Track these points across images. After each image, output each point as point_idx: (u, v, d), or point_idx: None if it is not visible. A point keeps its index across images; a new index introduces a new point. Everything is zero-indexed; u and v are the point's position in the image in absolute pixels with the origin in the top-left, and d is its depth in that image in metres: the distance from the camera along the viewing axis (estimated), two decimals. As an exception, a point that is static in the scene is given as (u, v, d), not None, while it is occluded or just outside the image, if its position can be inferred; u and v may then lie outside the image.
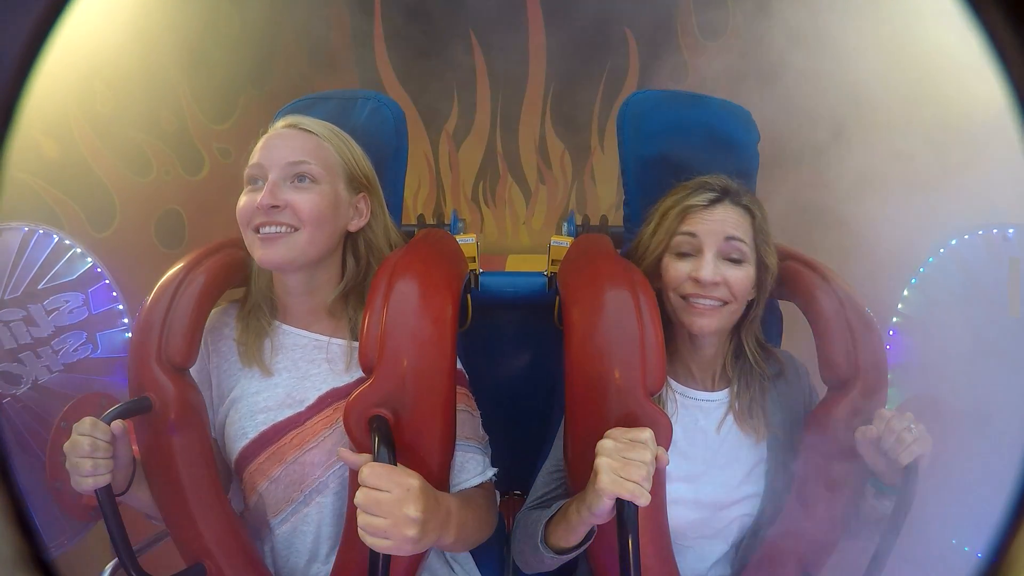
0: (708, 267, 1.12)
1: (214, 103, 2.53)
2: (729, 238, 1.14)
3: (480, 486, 1.15)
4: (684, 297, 1.15)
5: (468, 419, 1.18)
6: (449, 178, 2.97)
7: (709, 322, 1.14)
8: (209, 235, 2.25)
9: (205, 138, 2.52)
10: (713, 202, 1.16)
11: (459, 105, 2.90)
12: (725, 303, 1.14)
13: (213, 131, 2.54)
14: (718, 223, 1.14)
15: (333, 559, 1.12)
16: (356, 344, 1.11)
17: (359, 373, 1.08)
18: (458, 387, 1.12)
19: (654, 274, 1.19)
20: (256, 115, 2.53)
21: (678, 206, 1.17)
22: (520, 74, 2.90)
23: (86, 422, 1.00)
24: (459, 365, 1.20)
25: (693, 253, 1.15)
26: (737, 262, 1.15)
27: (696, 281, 1.13)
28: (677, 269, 1.15)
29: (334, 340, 1.20)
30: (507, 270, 2.74)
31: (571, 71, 2.89)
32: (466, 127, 2.93)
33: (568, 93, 2.91)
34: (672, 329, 1.21)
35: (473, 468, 1.15)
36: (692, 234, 1.15)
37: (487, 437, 1.22)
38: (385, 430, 0.95)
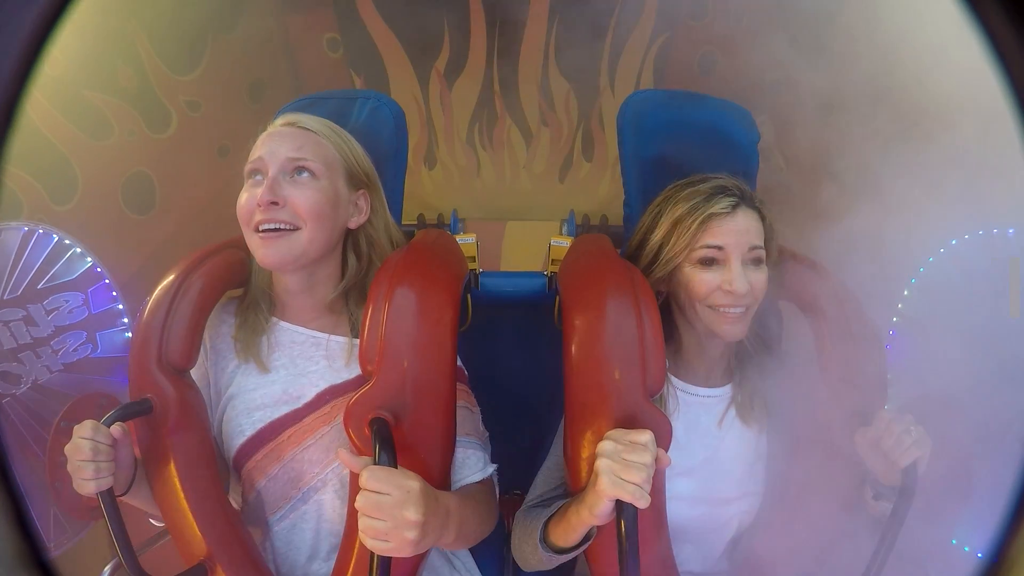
0: (740, 279, 1.11)
1: (178, 52, 2.26)
2: (753, 247, 1.14)
3: (480, 482, 1.15)
4: (711, 307, 1.14)
5: (468, 415, 1.18)
6: (441, 120, 2.66)
7: (741, 328, 1.14)
8: (181, 196, 2.12)
9: (170, 91, 2.26)
10: (734, 207, 1.14)
11: (450, 39, 2.57)
12: (749, 307, 1.15)
13: (179, 82, 2.28)
14: (742, 233, 1.13)
15: (334, 557, 1.12)
16: (356, 340, 1.11)
17: (358, 370, 1.08)
18: (458, 384, 1.13)
19: (669, 283, 1.18)
20: (226, 62, 2.24)
21: (697, 214, 1.14)
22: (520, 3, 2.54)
23: (87, 425, 1.00)
24: (459, 363, 1.20)
25: (718, 262, 1.14)
26: (757, 266, 1.15)
27: (727, 292, 1.12)
28: (706, 281, 1.14)
29: (334, 337, 1.20)
30: (506, 240, 2.60)
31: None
32: (459, 63, 2.62)
33: (575, 27, 2.56)
34: (675, 328, 1.21)
35: (473, 464, 1.15)
36: (720, 247, 1.13)
37: (487, 433, 1.23)
38: (385, 432, 0.95)
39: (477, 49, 2.59)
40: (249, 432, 1.16)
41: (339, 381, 1.17)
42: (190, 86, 2.29)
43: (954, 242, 1.90)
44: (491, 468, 1.17)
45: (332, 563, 1.12)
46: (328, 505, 1.15)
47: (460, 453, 1.13)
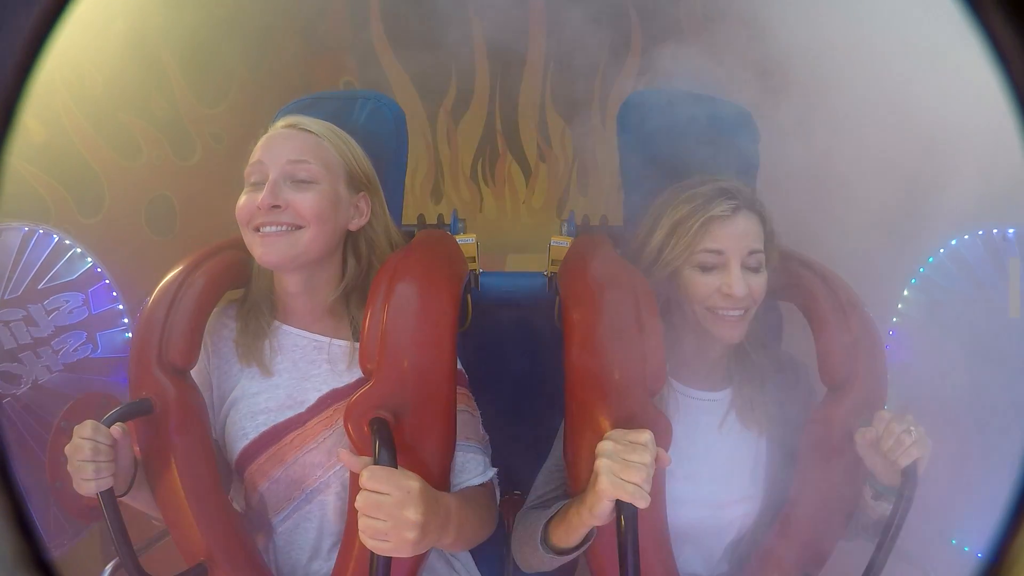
0: (739, 283, 1.11)
1: (207, 86, 2.45)
2: (752, 251, 1.14)
3: (480, 486, 1.15)
4: (710, 309, 1.14)
5: (468, 419, 1.18)
6: (448, 156, 2.87)
7: (739, 332, 1.14)
8: (200, 222, 2.21)
9: (197, 122, 2.45)
10: (735, 211, 1.14)
11: (457, 81, 2.80)
12: (747, 310, 1.15)
13: (205, 115, 2.47)
14: (742, 236, 1.13)
15: (335, 556, 1.12)
16: (358, 345, 1.11)
17: (360, 373, 1.08)
18: (458, 388, 1.13)
19: (669, 285, 1.18)
20: (250, 98, 2.45)
21: (697, 217, 1.14)
22: (520, 47, 2.77)
23: (87, 425, 1.00)
24: (459, 366, 1.20)
25: (717, 266, 1.14)
26: (756, 270, 1.15)
27: (726, 296, 1.12)
28: (705, 284, 1.14)
29: (335, 341, 1.20)
30: (507, 270, 2.70)
31: (573, 44, 2.72)
32: (464, 103, 2.83)
33: (569, 68, 2.79)
34: (675, 330, 1.21)
35: (473, 468, 1.15)
36: (719, 251, 1.13)
37: (487, 437, 1.22)
38: (385, 432, 0.95)
39: (481, 90, 2.80)
40: (252, 435, 1.16)
41: (341, 385, 1.17)
42: (216, 119, 2.46)
43: (954, 242, 1.90)
44: (491, 472, 1.17)
45: (332, 562, 1.12)
46: (331, 505, 1.15)
47: (460, 457, 1.13)
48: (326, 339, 1.20)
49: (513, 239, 2.87)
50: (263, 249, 1.11)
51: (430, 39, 2.63)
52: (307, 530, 1.17)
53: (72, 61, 2.04)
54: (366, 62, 2.66)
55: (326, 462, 1.14)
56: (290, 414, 1.16)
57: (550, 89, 2.81)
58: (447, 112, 2.80)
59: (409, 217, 1.59)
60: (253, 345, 1.19)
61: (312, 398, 1.16)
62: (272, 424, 1.15)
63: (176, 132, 2.38)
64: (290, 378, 1.18)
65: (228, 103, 2.48)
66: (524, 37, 2.74)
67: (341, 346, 1.19)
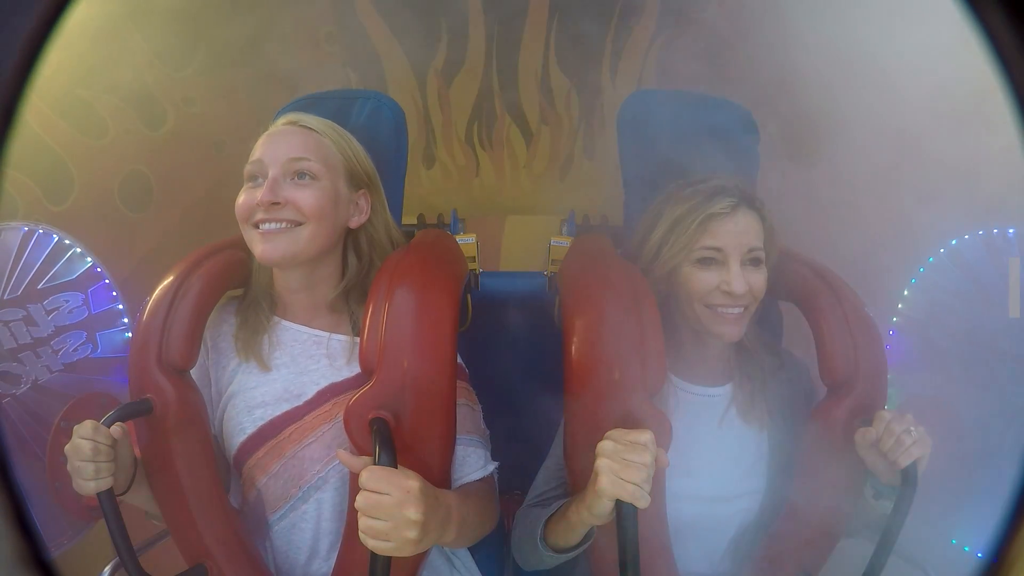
0: (738, 280, 1.12)
1: (172, 49, 2.24)
2: (752, 248, 1.14)
3: (481, 480, 1.15)
4: (709, 306, 1.14)
5: (469, 413, 1.18)
6: (440, 118, 2.61)
7: (738, 329, 1.15)
8: (178, 195, 2.11)
9: (165, 88, 2.24)
10: (734, 208, 1.14)
11: (448, 37, 2.53)
12: (747, 307, 1.15)
13: (173, 79, 2.25)
14: (742, 234, 1.14)
15: (334, 556, 1.12)
16: (358, 339, 1.11)
17: (359, 368, 1.08)
18: (459, 381, 1.13)
19: (669, 282, 1.18)
20: (221, 58, 2.22)
21: (696, 214, 1.14)
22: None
23: (87, 425, 1.00)
24: (459, 360, 1.20)
25: (717, 263, 1.14)
26: (756, 267, 1.15)
27: (725, 293, 1.12)
28: (704, 281, 1.14)
29: (335, 336, 1.20)
30: (507, 234, 2.56)
31: None
32: (457, 61, 2.56)
33: (576, 23, 2.50)
34: (675, 327, 1.21)
35: (474, 462, 1.15)
36: (718, 248, 1.13)
37: (488, 431, 1.22)
38: (385, 432, 0.95)
39: (476, 47, 2.57)
40: (250, 429, 1.16)
41: (340, 379, 1.17)
42: (185, 82, 2.26)
43: (954, 242, 1.90)
44: (492, 466, 1.17)
45: (332, 562, 1.12)
46: (328, 504, 1.15)
47: (460, 451, 1.13)
48: (325, 334, 1.20)
49: (513, 204, 2.67)
50: (263, 246, 1.12)
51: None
52: (304, 530, 1.16)
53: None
54: (345, 14, 2.45)
55: (324, 456, 1.14)
56: (287, 407, 1.16)
57: (554, 45, 2.56)
58: (437, 71, 2.56)
59: (409, 217, 1.59)
60: (252, 340, 1.19)
61: (310, 392, 1.17)
62: (270, 418, 1.16)
63: (143, 102, 2.20)
64: (288, 372, 1.18)
65: (197, 64, 2.28)
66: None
67: (340, 341, 1.19)
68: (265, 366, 1.19)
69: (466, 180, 2.65)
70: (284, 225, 1.11)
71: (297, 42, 2.31)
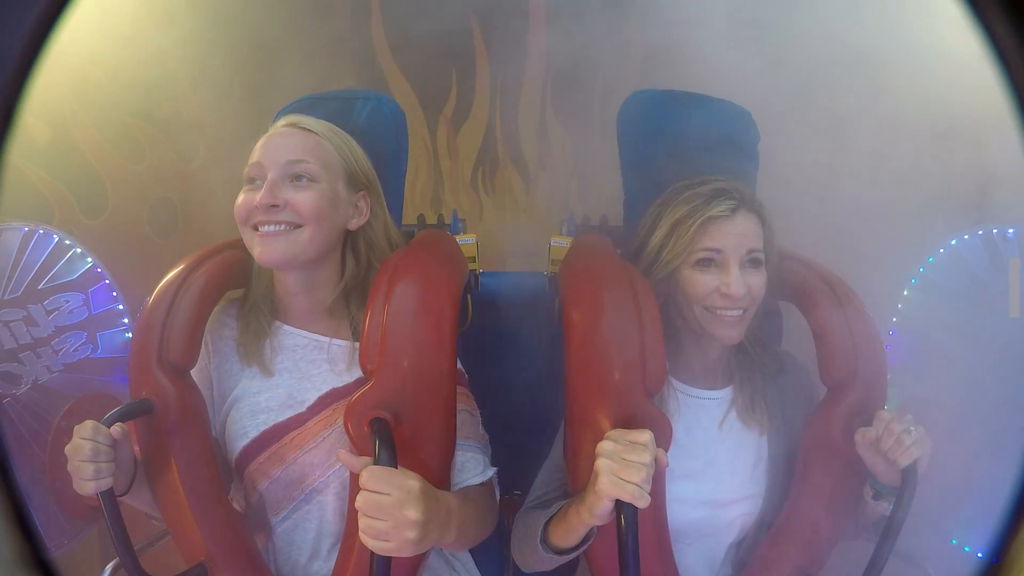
0: (738, 282, 1.12)
1: (209, 90, 2.46)
2: (751, 250, 1.14)
3: (481, 485, 1.15)
4: (708, 309, 1.14)
5: (468, 419, 1.18)
6: (447, 165, 2.85)
7: (737, 332, 1.14)
8: (202, 225, 2.21)
9: (199, 125, 2.46)
10: (733, 210, 1.14)
11: (458, 88, 2.78)
12: (746, 310, 1.15)
13: (208, 119, 2.47)
14: (741, 236, 1.13)
15: (335, 556, 1.12)
16: (358, 344, 1.11)
17: (359, 373, 1.08)
18: (458, 387, 1.13)
19: (668, 284, 1.18)
20: (254, 102, 2.40)
21: (696, 217, 1.14)
22: (520, 56, 2.72)
23: (87, 426, 1.00)
24: (459, 365, 1.20)
25: (716, 265, 1.14)
26: (755, 269, 1.15)
27: (725, 295, 1.12)
28: (703, 283, 1.14)
29: (335, 341, 1.20)
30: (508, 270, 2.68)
31: (574, 54, 2.63)
32: (464, 110, 2.81)
33: (568, 78, 2.73)
34: (675, 330, 1.21)
35: (473, 468, 1.15)
36: (718, 250, 1.13)
37: (487, 436, 1.23)
38: (385, 432, 0.95)
39: (481, 98, 2.77)
40: (253, 434, 1.16)
41: (340, 385, 1.17)
42: (219, 123, 2.44)
43: (954, 242, 1.90)
44: (491, 471, 1.17)
45: (332, 562, 1.12)
46: (330, 505, 1.15)
47: (460, 456, 1.13)
48: (326, 339, 1.20)
49: (514, 251, 2.86)
50: (262, 248, 1.12)
51: (432, 48, 2.63)
52: (306, 531, 1.17)
53: (78, 65, 2.06)
54: (369, 70, 2.69)
55: (325, 462, 1.14)
56: (290, 413, 1.16)
57: (550, 96, 2.80)
58: (447, 119, 2.80)
59: (409, 217, 1.59)
60: (254, 345, 1.19)
61: (312, 397, 1.17)
62: (272, 423, 1.15)
63: (179, 134, 2.40)
64: (290, 378, 1.18)
65: (230, 107, 2.49)
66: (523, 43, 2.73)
67: (341, 346, 1.19)
68: (268, 371, 1.19)
69: (471, 225, 2.85)
70: (283, 227, 1.11)
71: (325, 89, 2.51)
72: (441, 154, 2.83)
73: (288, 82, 2.41)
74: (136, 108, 2.26)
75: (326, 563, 1.16)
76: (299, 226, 1.12)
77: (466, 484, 1.13)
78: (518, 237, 2.85)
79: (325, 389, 1.17)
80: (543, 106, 2.80)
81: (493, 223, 2.87)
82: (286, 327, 1.22)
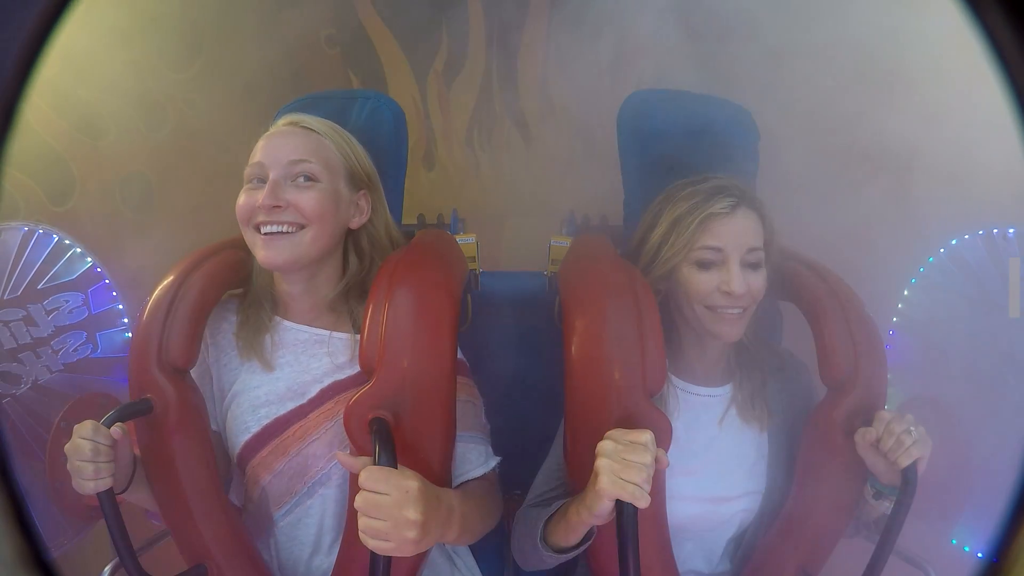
0: (738, 280, 1.11)
1: (173, 49, 2.25)
2: (751, 248, 1.14)
3: (483, 476, 1.15)
4: (709, 307, 1.14)
5: (470, 408, 1.18)
6: (440, 121, 2.63)
7: (737, 330, 1.14)
8: (178, 197, 2.14)
9: (166, 89, 2.26)
10: (733, 208, 1.14)
11: (449, 39, 2.55)
12: (746, 308, 1.14)
13: (175, 80, 2.27)
14: (741, 234, 1.13)
15: (336, 551, 1.12)
16: (359, 336, 1.11)
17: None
18: (459, 377, 1.13)
19: (667, 282, 1.18)
20: (223, 59, 2.22)
21: (696, 214, 1.14)
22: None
23: (87, 425, 1.00)
24: (460, 356, 1.20)
25: (716, 263, 1.14)
26: (755, 267, 1.15)
27: (725, 293, 1.12)
28: (704, 282, 1.13)
29: (336, 334, 1.20)
30: (507, 237, 2.58)
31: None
32: (458, 63, 2.59)
33: (575, 26, 2.51)
34: (675, 327, 1.21)
35: (475, 459, 1.15)
36: (718, 248, 1.13)
37: (489, 425, 1.22)
38: (385, 432, 0.95)
39: (476, 49, 2.59)
40: (255, 428, 1.16)
41: (342, 377, 1.17)
42: (187, 83, 2.28)
43: (954, 242, 1.90)
44: (493, 461, 1.17)
45: (333, 557, 1.12)
46: (332, 499, 1.15)
47: (461, 448, 1.13)
48: (326, 332, 1.20)
49: (513, 206, 2.68)
50: (266, 251, 1.12)
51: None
52: (308, 525, 1.17)
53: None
54: (345, 15, 2.46)
55: (327, 453, 1.14)
56: (292, 406, 1.16)
57: (554, 48, 2.57)
58: (438, 73, 2.59)
59: (409, 217, 1.59)
60: (254, 339, 1.20)
61: (313, 390, 1.17)
62: (274, 416, 1.16)
63: (144, 103, 2.22)
64: (291, 371, 1.18)
65: (200, 64, 2.29)
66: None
67: (341, 339, 1.20)
68: (268, 365, 1.19)
69: (466, 182, 2.69)
70: (286, 228, 1.11)
71: (297, 44, 2.33)
72: (433, 111, 2.62)
73: (260, 33, 2.20)
74: (94, 81, 2.08)
75: (327, 558, 1.16)
76: (302, 227, 1.12)
77: (468, 476, 1.13)
78: (516, 188, 2.69)
79: (327, 382, 1.17)
80: (546, 59, 2.58)
81: (491, 180, 2.69)
82: (287, 322, 1.22)
